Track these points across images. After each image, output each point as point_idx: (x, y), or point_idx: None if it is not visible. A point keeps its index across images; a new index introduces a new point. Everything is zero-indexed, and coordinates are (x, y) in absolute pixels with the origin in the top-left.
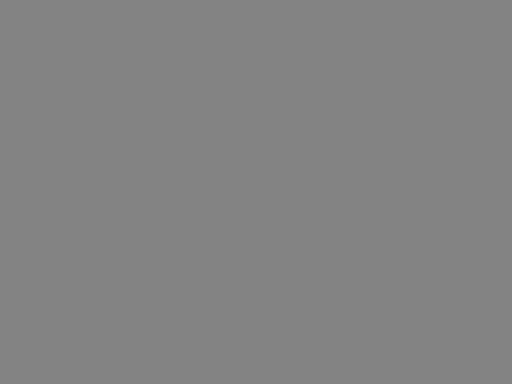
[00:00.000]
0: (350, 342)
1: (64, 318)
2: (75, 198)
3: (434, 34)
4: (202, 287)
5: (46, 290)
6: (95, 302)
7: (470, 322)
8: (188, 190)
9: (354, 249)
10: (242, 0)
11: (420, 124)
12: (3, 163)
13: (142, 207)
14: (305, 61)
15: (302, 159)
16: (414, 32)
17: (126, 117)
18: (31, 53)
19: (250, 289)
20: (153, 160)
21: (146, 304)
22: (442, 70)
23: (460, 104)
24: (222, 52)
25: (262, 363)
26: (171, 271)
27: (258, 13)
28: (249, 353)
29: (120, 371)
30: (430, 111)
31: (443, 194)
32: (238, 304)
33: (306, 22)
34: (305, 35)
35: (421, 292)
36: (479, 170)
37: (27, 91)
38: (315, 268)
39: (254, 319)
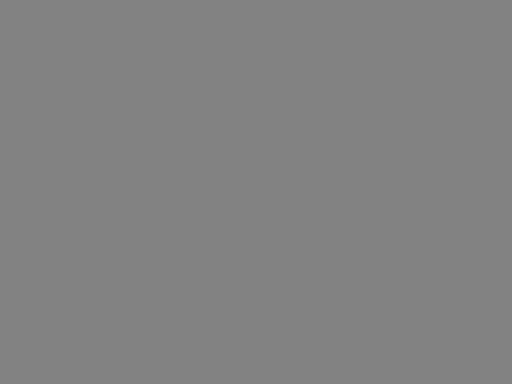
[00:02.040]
0: (349, 343)
1: (64, 318)
2: (75, 198)
3: (434, 34)
4: (201, 288)
5: (46, 289)
6: (95, 302)
7: (470, 322)
8: (188, 190)
9: (354, 249)
10: (242, 0)
11: (420, 124)
12: (3, 163)
13: (142, 208)
14: (305, 61)
15: (302, 159)
16: (414, 32)
17: (126, 117)
18: (31, 53)
19: (250, 289)
20: (153, 160)
21: (146, 304)
22: (442, 70)
23: (460, 104)
24: (222, 52)
25: (262, 363)
26: (171, 272)
27: (258, 13)
28: (249, 353)
29: (120, 371)
30: (430, 111)
31: (443, 195)
32: (238, 304)
33: (306, 21)
34: (305, 35)
35: (421, 292)
36: (479, 170)
37: (27, 91)
38: (315, 268)
39: (253, 319)
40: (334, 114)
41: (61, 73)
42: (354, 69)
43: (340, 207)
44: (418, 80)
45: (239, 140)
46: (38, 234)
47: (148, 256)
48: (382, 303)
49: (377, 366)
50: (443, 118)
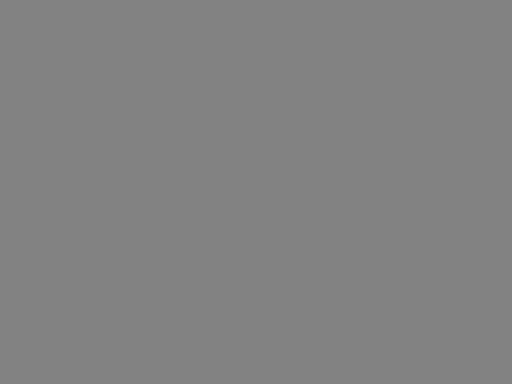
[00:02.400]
0: (349, 343)
1: (64, 318)
2: (75, 198)
3: (434, 34)
4: (201, 288)
5: (46, 289)
6: (95, 302)
7: (469, 322)
8: (188, 190)
9: (354, 249)
10: (242, 0)
11: (420, 124)
12: (3, 163)
13: (142, 208)
14: (305, 61)
15: (302, 159)
16: (414, 32)
17: (126, 117)
18: (31, 53)
19: (250, 289)
20: (153, 160)
21: (146, 304)
22: (442, 70)
23: (460, 104)
24: (222, 52)
25: (262, 363)
26: (171, 272)
27: (258, 13)
28: (249, 353)
29: (120, 371)
30: (430, 111)
31: (443, 194)
32: (238, 304)
33: (306, 21)
34: (305, 35)
35: (421, 292)
36: (479, 170)
37: (27, 91)
38: (315, 268)
39: (253, 319)
40: (334, 114)
41: (61, 73)
42: (354, 69)
43: (340, 208)
44: (418, 80)
45: (239, 140)
46: (38, 234)
47: (148, 257)
48: (381, 304)
49: (377, 366)
50: (443, 118)
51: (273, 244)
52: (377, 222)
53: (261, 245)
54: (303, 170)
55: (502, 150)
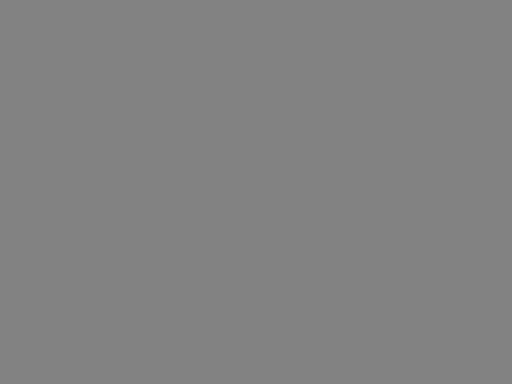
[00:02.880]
0: (349, 343)
1: (64, 318)
2: (75, 198)
3: (434, 34)
4: (201, 288)
5: (46, 289)
6: (95, 302)
7: (469, 323)
8: (188, 190)
9: (354, 249)
10: (242, 0)
11: (420, 124)
12: (3, 163)
13: (142, 208)
14: (305, 61)
15: (302, 159)
16: (414, 32)
17: (126, 117)
18: (31, 53)
19: (250, 289)
20: (153, 160)
21: (145, 304)
22: (442, 70)
23: (460, 104)
24: (221, 52)
25: (262, 363)
26: (171, 272)
27: (258, 13)
28: (249, 353)
29: (120, 371)
30: (430, 111)
31: (443, 195)
32: (238, 304)
33: (306, 21)
34: (305, 35)
35: (421, 292)
36: (479, 170)
37: (27, 91)
38: (315, 268)
39: (253, 319)
40: (334, 114)
41: (61, 73)
42: (354, 69)
43: (340, 208)
44: (418, 80)
45: (239, 140)
46: (38, 234)
47: (148, 257)
48: (381, 304)
49: (377, 366)
50: (443, 118)
51: (273, 245)
52: (377, 223)
53: (261, 246)
54: (303, 170)
55: (502, 150)
